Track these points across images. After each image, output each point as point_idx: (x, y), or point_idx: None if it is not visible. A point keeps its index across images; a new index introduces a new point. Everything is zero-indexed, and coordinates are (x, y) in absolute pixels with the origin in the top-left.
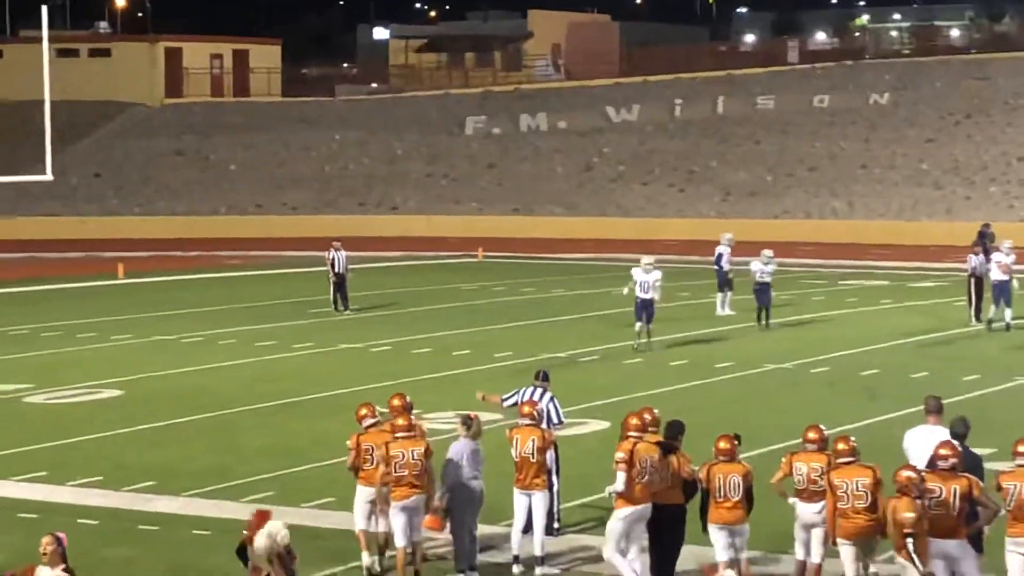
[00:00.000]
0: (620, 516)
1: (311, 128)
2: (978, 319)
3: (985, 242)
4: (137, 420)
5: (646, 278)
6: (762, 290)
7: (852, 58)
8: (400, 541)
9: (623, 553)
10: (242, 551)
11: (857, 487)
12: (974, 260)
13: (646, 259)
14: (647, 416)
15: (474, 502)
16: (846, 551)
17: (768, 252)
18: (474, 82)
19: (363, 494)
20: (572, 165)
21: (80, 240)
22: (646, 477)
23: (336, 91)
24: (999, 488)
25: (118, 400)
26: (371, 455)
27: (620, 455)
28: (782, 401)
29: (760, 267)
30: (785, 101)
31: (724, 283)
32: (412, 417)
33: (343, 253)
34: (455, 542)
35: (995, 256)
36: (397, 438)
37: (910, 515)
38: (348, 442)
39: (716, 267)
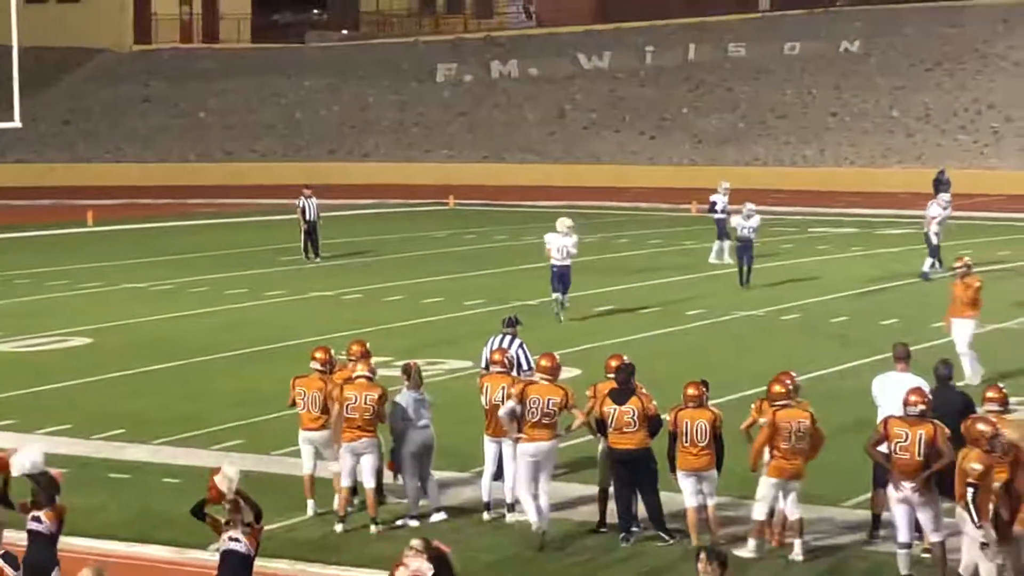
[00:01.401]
0: (518, 452)
1: (281, 75)
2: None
3: (942, 189)
4: (107, 368)
5: (563, 242)
6: (744, 247)
7: (823, 5)
8: (344, 481)
9: (531, 490)
10: (199, 511)
11: (800, 428)
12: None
13: (564, 222)
14: (550, 362)
15: (422, 449)
16: (773, 490)
17: (750, 205)
18: (445, 29)
19: (300, 438)
20: (543, 112)
21: (49, 187)
22: (536, 417)
23: (306, 37)
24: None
25: (88, 348)
26: (303, 399)
27: (512, 390)
28: (753, 348)
29: (741, 222)
30: (756, 48)
31: (722, 231)
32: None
33: (314, 200)
34: (406, 489)
35: (930, 210)
36: (354, 380)
37: (977, 466)
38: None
39: (711, 214)
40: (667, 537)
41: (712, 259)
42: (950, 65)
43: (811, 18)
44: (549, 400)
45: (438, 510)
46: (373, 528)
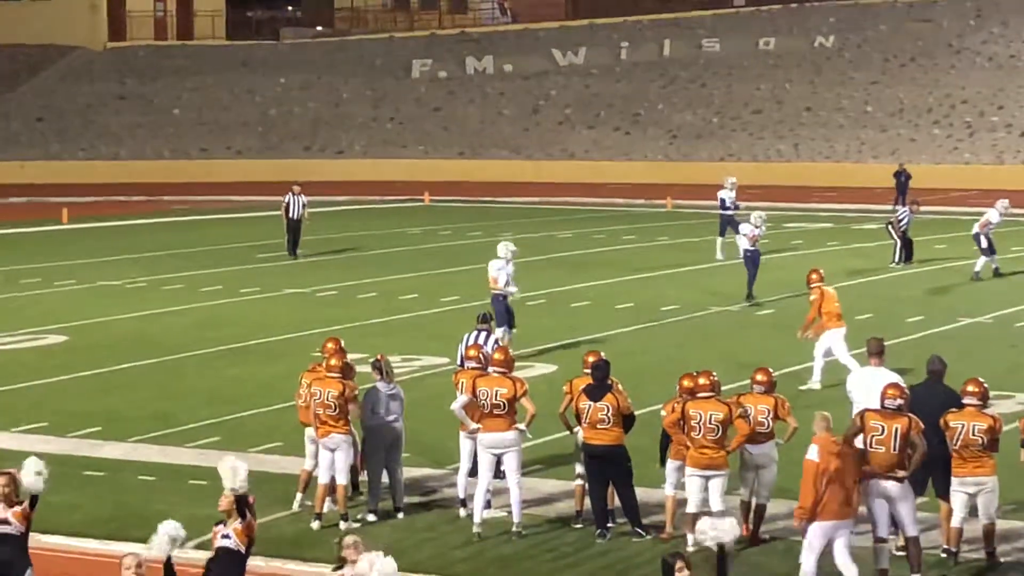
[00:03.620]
0: (478, 444)
1: (256, 72)
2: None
3: (907, 184)
4: (82, 366)
5: (509, 270)
6: (752, 258)
7: (797, 1)
8: (321, 478)
9: (482, 477)
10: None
11: (710, 420)
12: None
13: (507, 246)
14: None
15: (390, 444)
16: (696, 482)
17: (760, 214)
18: (420, 25)
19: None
20: (518, 108)
21: (22, 185)
22: (487, 409)
23: (281, 34)
24: (946, 427)
25: (62, 346)
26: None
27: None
28: (728, 343)
29: (752, 230)
30: (731, 44)
31: (725, 227)
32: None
33: (302, 198)
34: (368, 482)
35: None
36: (322, 377)
37: None
38: None
39: (720, 211)
40: (643, 533)
41: (719, 256)
42: (924, 60)
43: (785, 13)
44: (497, 391)
45: (398, 510)
46: (343, 524)
